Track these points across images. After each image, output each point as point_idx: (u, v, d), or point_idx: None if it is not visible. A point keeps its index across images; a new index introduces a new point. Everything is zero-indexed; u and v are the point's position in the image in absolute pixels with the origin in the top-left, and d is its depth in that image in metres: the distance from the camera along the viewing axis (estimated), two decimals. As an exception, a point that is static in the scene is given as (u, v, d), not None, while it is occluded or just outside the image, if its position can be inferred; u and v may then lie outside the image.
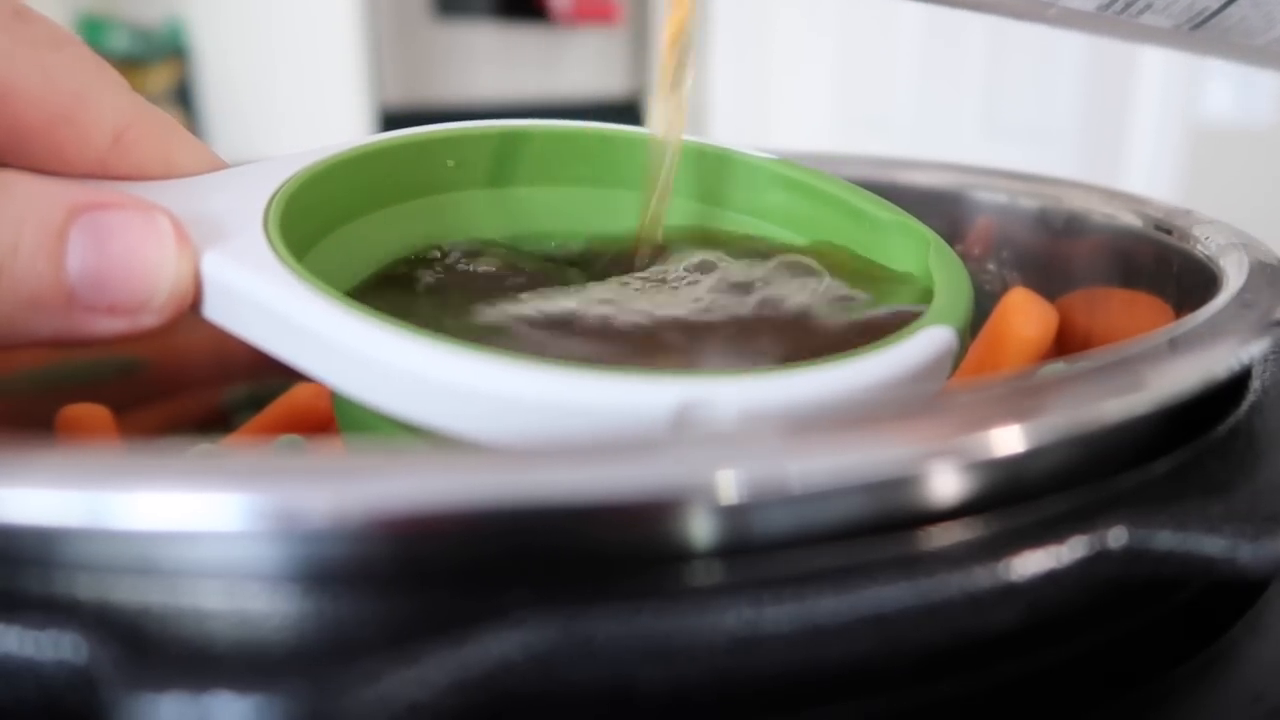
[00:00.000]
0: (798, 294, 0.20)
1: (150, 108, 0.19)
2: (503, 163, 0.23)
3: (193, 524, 0.11)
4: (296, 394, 0.30)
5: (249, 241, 0.17)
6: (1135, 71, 1.29)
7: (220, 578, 0.11)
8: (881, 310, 0.19)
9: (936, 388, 0.16)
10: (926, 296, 0.19)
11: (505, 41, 1.89)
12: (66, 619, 0.11)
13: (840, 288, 0.20)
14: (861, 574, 0.11)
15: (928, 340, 0.16)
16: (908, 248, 0.21)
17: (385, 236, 0.21)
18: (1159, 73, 1.27)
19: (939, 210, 0.32)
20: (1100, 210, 0.27)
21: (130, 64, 1.70)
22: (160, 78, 1.73)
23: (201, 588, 0.11)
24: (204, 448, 0.27)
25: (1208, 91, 1.25)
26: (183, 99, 1.75)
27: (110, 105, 0.18)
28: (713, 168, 0.23)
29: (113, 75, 0.18)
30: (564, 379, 0.14)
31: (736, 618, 0.11)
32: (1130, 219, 0.26)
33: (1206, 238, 0.22)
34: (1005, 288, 0.30)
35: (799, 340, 0.18)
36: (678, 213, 0.23)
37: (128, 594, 0.11)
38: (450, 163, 0.22)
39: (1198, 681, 0.13)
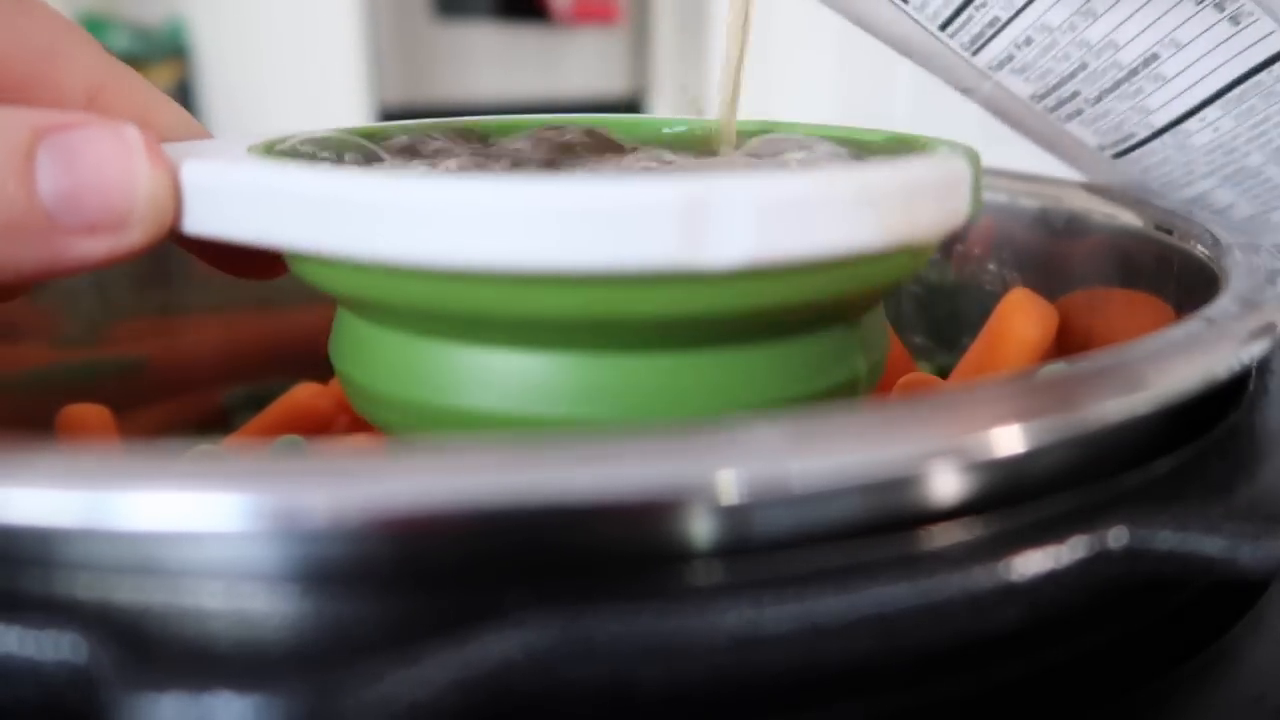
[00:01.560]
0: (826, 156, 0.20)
1: (124, 68, 0.19)
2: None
3: (193, 524, 0.11)
4: (296, 394, 0.30)
5: (227, 152, 0.16)
6: (1135, 71, 1.29)
7: (220, 578, 0.11)
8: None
9: (954, 211, 0.16)
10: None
11: (505, 41, 1.89)
12: (66, 619, 0.11)
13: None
14: (862, 574, 0.11)
15: (943, 159, 0.16)
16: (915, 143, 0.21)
17: None
18: (1159, 73, 1.27)
19: (939, 210, 0.32)
20: (1100, 210, 0.27)
21: (130, 64, 1.70)
22: (160, 78, 1.73)
23: (201, 588, 0.11)
24: (204, 448, 0.27)
25: (1208, 91, 1.25)
26: (183, 99, 1.75)
27: (83, 64, 0.18)
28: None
29: (83, 35, 0.18)
30: (567, 185, 0.13)
31: (737, 618, 0.11)
32: (1130, 219, 0.26)
33: (1206, 238, 0.22)
34: (1005, 288, 0.30)
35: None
36: None
37: (128, 594, 0.11)
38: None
39: (1198, 682, 0.13)
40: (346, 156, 0.19)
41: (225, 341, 0.32)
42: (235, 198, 0.15)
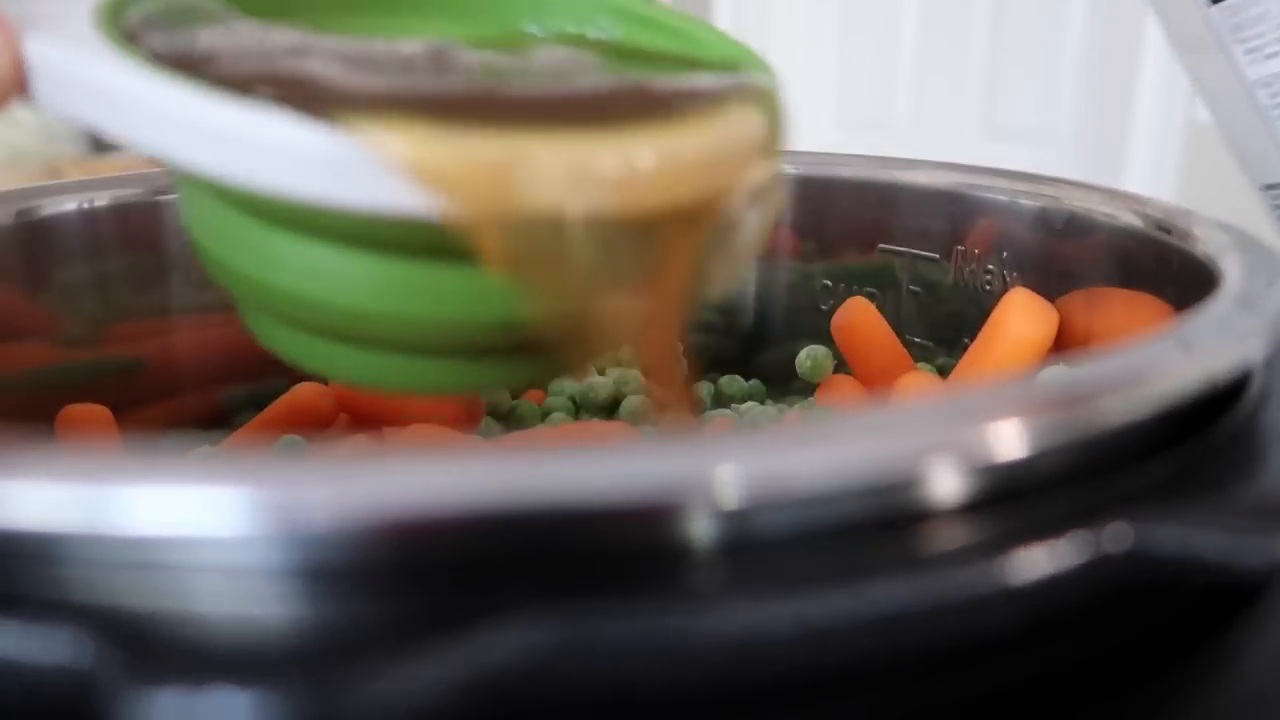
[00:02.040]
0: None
1: None
2: None
3: (193, 524, 0.11)
4: (296, 394, 0.30)
5: (73, 27, 0.17)
6: (1135, 71, 1.29)
7: (220, 576, 0.11)
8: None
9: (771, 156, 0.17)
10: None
11: (505, 41, 1.88)
12: (66, 617, 0.11)
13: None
14: (862, 574, 0.11)
15: (751, 115, 0.17)
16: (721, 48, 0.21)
17: None
18: (1159, 73, 1.27)
19: (939, 210, 0.32)
20: (1100, 210, 0.27)
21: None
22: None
23: (201, 586, 0.11)
24: (205, 448, 0.27)
25: (1208, 91, 1.25)
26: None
27: None
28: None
29: None
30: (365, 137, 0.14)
31: (737, 618, 0.11)
32: (1130, 219, 0.26)
33: (1206, 238, 0.22)
34: (1005, 288, 0.30)
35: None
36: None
37: (128, 592, 0.11)
38: None
39: (1198, 681, 0.13)
40: (198, 28, 0.20)
41: (225, 341, 0.32)
42: (66, 88, 0.16)
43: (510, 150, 0.15)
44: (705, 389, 0.34)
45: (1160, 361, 0.14)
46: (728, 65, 0.21)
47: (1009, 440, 0.13)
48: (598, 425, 0.31)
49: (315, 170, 0.15)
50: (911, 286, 0.33)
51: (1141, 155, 1.31)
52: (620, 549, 0.12)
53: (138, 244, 0.31)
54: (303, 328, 0.18)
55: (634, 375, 0.32)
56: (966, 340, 0.31)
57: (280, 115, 0.15)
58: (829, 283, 0.35)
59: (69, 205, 0.29)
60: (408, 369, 0.18)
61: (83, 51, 0.16)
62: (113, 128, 0.16)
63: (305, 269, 0.17)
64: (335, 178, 0.15)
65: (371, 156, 0.14)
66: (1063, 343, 0.27)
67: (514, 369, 0.19)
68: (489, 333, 0.18)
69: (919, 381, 0.28)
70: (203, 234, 0.18)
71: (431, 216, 0.15)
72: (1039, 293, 0.28)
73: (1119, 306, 0.26)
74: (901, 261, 0.33)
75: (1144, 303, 0.25)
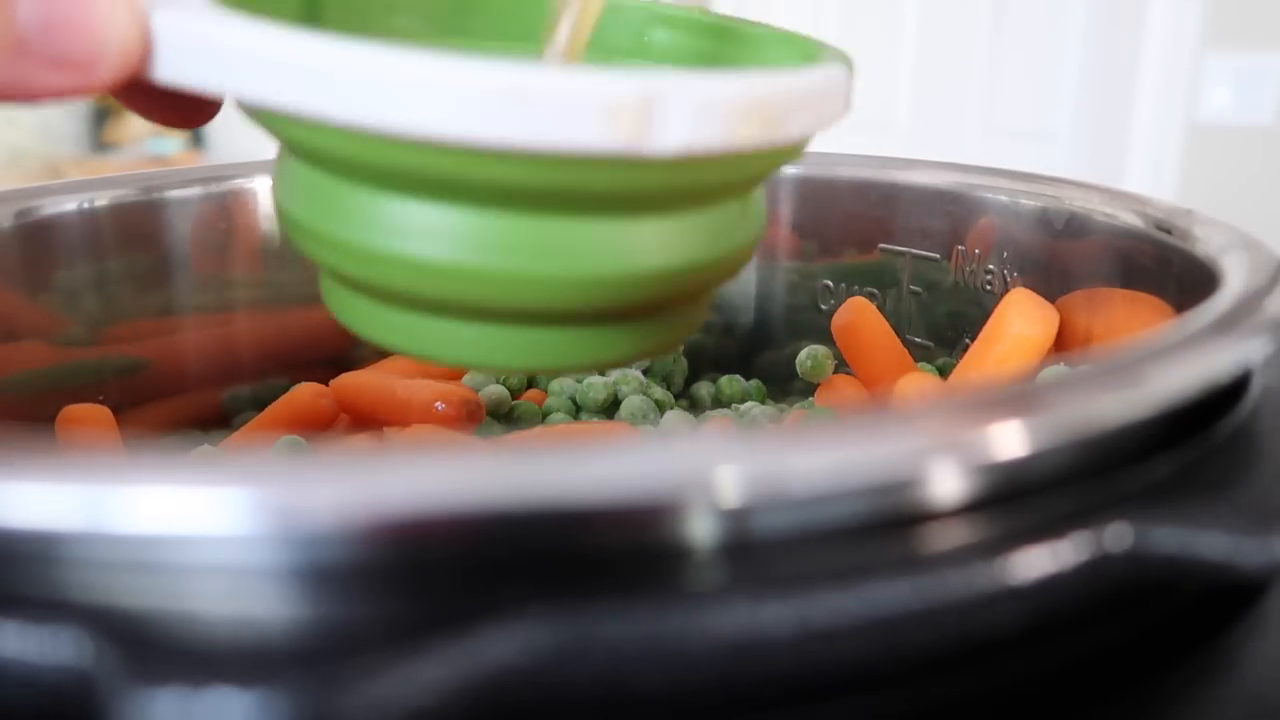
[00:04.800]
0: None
1: None
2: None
3: (194, 523, 0.11)
4: (297, 394, 0.30)
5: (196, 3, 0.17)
6: (1135, 71, 1.29)
7: (221, 576, 0.11)
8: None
9: (838, 110, 0.18)
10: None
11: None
12: (67, 617, 0.11)
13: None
14: (862, 573, 0.11)
15: (835, 68, 0.18)
16: (785, 53, 0.22)
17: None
18: (1159, 73, 1.27)
19: (939, 210, 0.32)
20: (1101, 210, 0.27)
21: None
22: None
23: (202, 586, 0.11)
24: (205, 448, 0.27)
25: (1208, 91, 1.25)
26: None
27: None
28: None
29: None
30: (529, 71, 0.14)
31: (737, 617, 0.11)
32: (1131, 219, 0.26)
33: (1207, 238, 0.22)
34: (1005, 288, 0.30)
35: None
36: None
37: (129, 592, 0.11)
38: None
39: (1198, 681, 0.13)
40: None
41: (225, 341, 0.32)
42: (198, 53, 0.16)
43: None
44: (705, 389, 0.34)
45: (1160, 361, 0.14)
46: (761, 42, 0.22)
47: (1009, 440, 0.13)
48: (598, 425, 0.31)
49: (491, 108, 0.14)
50: (912, 286, 0.33)
51: (1141, 155, 1.31)
52: (620, 549, 0.12)
53: (138, 244, 0.31)
54: (394, 300, 0.18)
55: (634, 375, 0.32)
56: (967, 340, 0.31)
57: (443, 56, 0.14)
58: (829, 283, 0.35)
59: (69, 205, 0.29)
60: (500, 340, 0.18)
61: (215, 19, 0.16)
62: (249, 91, 0.15)
63: (420, 230, 0.17)
64: (496, 112, 0.14)
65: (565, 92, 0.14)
66: (1063, 343, 0.27)
67: (614, 340, 0.19)
68: (610, 290, 0.18)
69: (919, 381, 0.28)
70: (302, 207, 0.18)
71: (603, 149, 0.15)
72: (1039, 293, 0.28)
73: (1119, 306, 0.26)
74: (901, 261, 0.33)
75: (1144, 303, 0.25)
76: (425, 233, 0.17)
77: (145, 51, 0.16)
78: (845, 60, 0.19)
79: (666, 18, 0.23)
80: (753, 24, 0.22)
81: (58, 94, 0.16)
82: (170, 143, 1.93)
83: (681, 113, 0.15)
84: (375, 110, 0.15)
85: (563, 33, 0.20)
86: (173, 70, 0.16)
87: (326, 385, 0.30)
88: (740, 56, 0.23)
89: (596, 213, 0.17)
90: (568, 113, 0.14)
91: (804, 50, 0.21)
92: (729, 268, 0.19)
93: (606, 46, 0.24)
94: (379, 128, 0.15)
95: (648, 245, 0.17)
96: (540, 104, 0.14)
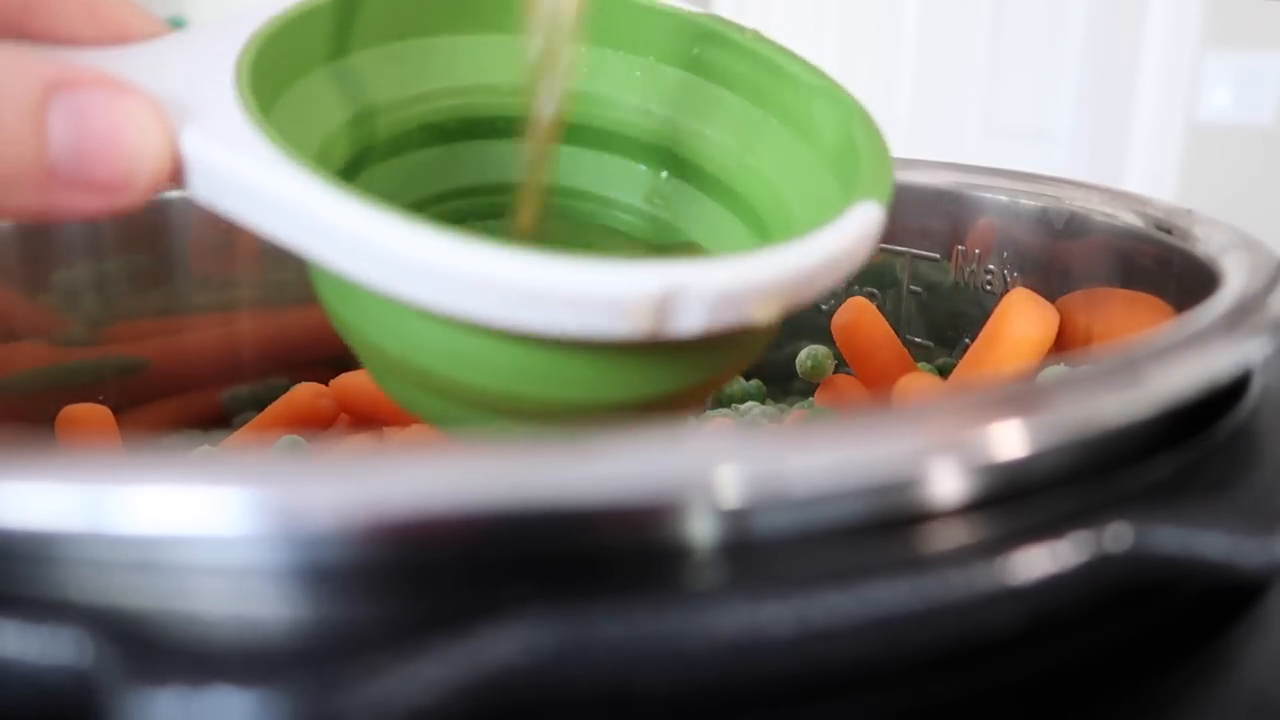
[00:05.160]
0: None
1: None
2: (419, 11, 0.22)
3: (194, 523, 0.11)
4: (297, 394, 0.30)
5: (224, 115, 0.17)
6: (1135, 71, 1.29)
7: (221, 576, 0.11)
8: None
9: (862, 259, 0.18)
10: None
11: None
12: (67, 617, 0.11)
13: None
14: (862, 573, 0.11)
15: (861, 215, 0.17)
16: (831, 116, 0.21)
17: (328, 101, 0.21)
18: (1159, 73, 1.27)
19: (939, 210, 0.32)
20: (1101, 210, 0.27)
21: (130, 64, 1.70)
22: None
23: (202, 586, 0.11)
24: (205, 448, 0.27)
25: (1208, 91, 1.25)
26: (183, 99, 1.75)
27: None
28: (639, 18, 0.23)
29: None
30: (547, 266, 0.14)
31: (737, 617, 0.11)
32: (1131, 219, 0.26)
33: (1207, 238, 0.22)
34: (1006, 288, 0.30)
35: None
36: (600, 67, 0.23)
37: (129, 592, 0.11)
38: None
39: (1198, 681, 0.13)
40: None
41: (225, 341, 0.32)
42: (237, 191, 0.16)
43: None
44: (705, 389, 0.34)
45: (1160, 361, 0.14)
46: (805, 94, 0.22)
47: (1009, 440, 0.13)
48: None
49: (493, 297, 0.15)
50: (912, 286, 0.33)
51: (1141, 155, 1.31)
52: (620, 549, 0.12)
53: (138, 244, 0.31)
54: (440, 395, 0.18)
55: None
56: (967, 340, 0.31)
57: (454, 240, 0.14)
58: (829, 282, 0.34)
59: (69, 205, 0.29)
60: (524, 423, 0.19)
61: (243, 153, 0.16)
62: (273, 232, 0.16)
63: (451, 353, 0.17)
64: (507, 302, 0.15)
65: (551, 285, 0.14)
66: (1063, 343, 0.27)
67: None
68: (634, 407, 0.18)
69: (919, 381, 0.28)
70: (341, 306, 0.18)
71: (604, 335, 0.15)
72: (1039, 293, 0.28)
73: (1119, 306, 0.26)
74: (901, 261, 0.33)
75: (1144, 303, 0.25)
76: (440, 353, 0.17)
77: (176, 171, 0.16)
78: (883, 161, 0.19)
79: (720, 37, 0.23)
80: (808, 70, 0.22)
81: (85, 215, 0.16)
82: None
83: (700, 304, 0.15)
84: (396, 284, 0.15)
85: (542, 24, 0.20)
86: (201, 192, 0.16)
87: (326, 385, 0.30)
88: (785, 104, 0.22)
89: (615, 355, 0.17)
90: (587, 310, 0.15)
91: (844, 116, 0.21)
92: (750, 361, 0.20)
93: (656, 52, 0.23)
94: (398, 297, 0.15)
95: (669, 373, 0.18)
96: (560, 301, 0.14)
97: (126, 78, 0.16)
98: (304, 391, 0.30)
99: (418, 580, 0.11)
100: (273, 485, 0.11)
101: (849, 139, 0.20)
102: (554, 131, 0.21)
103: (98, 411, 0.28)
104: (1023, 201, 0.30)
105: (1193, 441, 0.15)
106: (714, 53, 0.23)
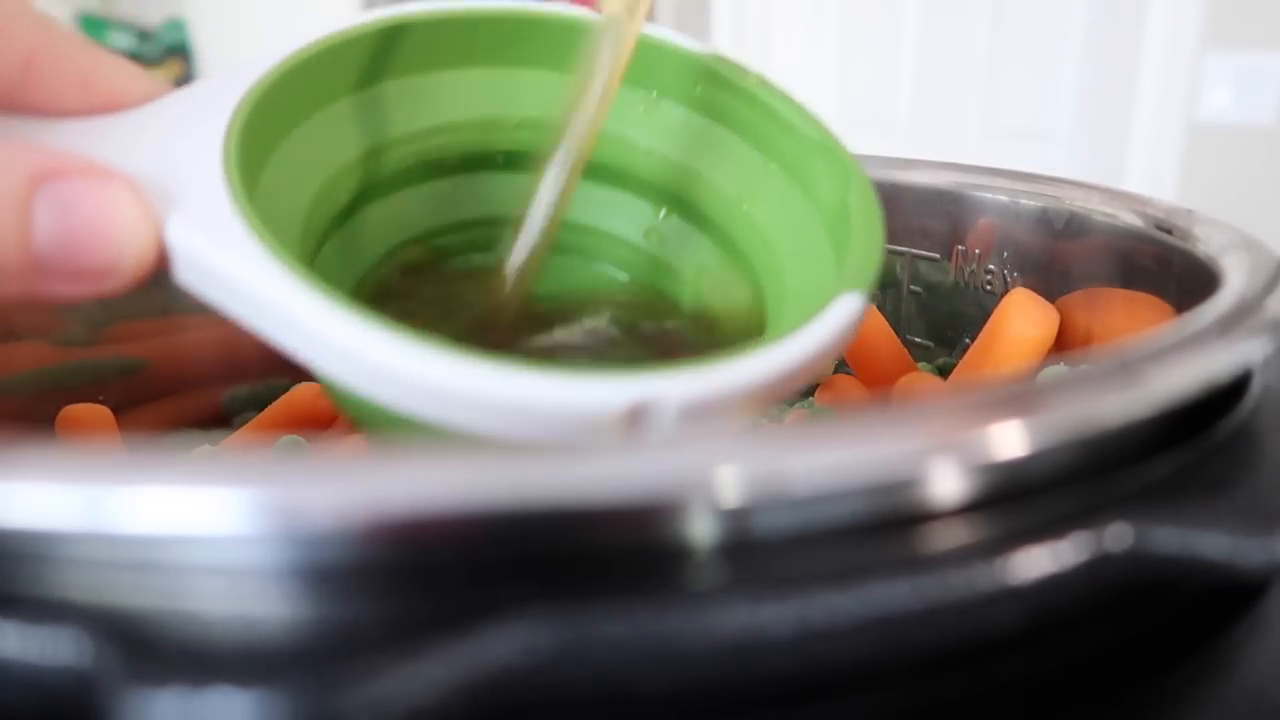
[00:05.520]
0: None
1: (63, 32, 0.18)
2: (432, 48, 0.22)
3: (194, 524, 0.11)
4: (297, 394, 0.30)
5: (210, 201, 0.17)
6: (1135, 71, 1.29)
7: (221, 576, 0.11)
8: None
9: (842, 352, 0.18)
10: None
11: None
12: (66, 617, 0.11)
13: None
14: (862, 573, 0.11)
15: (842, 310, 0.17)
16: (830, 174, 0.21)
17: (326, 146, 0.21)
18: (1159, 73, 1.27)
19: (939, 210, 0.32)
20: (1101, 210, 0.27)
21: (130, 64, 1.70)
22: (160, 78, 1.73)
23: (202, 586, 0.11)
24: (205, 448, 0.27)
25: (1208, 91, 1.25)
26: (183, 99, 1.75)
27: (15, 33, 0.17)
28: (644, 53, 0.23)
29: (16, 3, 0.18)
30: (517, 381, 0.14)
31: (737, 617, 0.11)
32: (1131, 219, 0.26)
33: (1207, 238, 0.22)
34: (1006, 288, 0.30)
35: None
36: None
37: (128, 592, 0.11)
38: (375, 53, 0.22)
39: (1199, 682, 0.13)
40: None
41: (225, 341, 0.32)
42: (220, 283, 0.16)
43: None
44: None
45: (1160, 361, 0.14)
46: (806, 148, 0.22)
47: (1009, 440, 0.13)
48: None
49: (463, 408, 0.15)
50: (912, 286, 0.33)
51: (1141, 155, 1.31)
52: (620, 549, 0.12)
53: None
54: (395, 426, 0.19)
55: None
56: (967, 340, 0.31)
57: (436, 355, 0.15)
58: (829, 283, 0.34)
59: (69, 205, 0.29)
60: None
61: (224, 245, 0.16)
62: (254, 326, 0.16)
63: (413, 426, 0.17)
64: (476, 413, 0.15)
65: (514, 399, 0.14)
66: (1063, 343, 0.27)
67: None
68: None
69: (919, 381, 0.28)
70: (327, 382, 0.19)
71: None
72: (1039, 293, 0.28)
73: (1119, 306, 0.26)
74: (901, 261, 0.33)
75: (1144, 303, 0.25)
76: (403, 422, 0.17)
77: (161, 259, 0.16)
78: (871, 243, 0.19)
79: (723, 80, 0.23)
80: (809, 122, 0.22)
81: (71, 300, 0.16)
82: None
83: (671, 414, 0.15)
84: (369, 388, 0.15)
85: (600, 66, 0.20)
86: (186, 279, 0.16)
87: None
88: (786, 154, 0.22)
89: None
90: (558, 423, 0.15)
91: (842, 179, 0.21)
92: None
93: (660, 88, 0.23)
94: (370, 398, 0.15)
95: None
96: (529, 415, 0.15)
97: (113, 159, 0.16)
98: (304, 391, 0.30)
99: (418, 580, 0.11)
100: (273, 485, 0.11)
101: (844, 205, 0.20)
102: (580, 168, 0.21)
103: (98, 411, 0.28)
104: (1023, 201, 0.30)
105: (1192, 441, 0.15)
106: (717, 94, 0.23)
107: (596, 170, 0.24)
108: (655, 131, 0.23)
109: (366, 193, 0.22)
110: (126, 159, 0.17)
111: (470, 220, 0.24)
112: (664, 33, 0.23)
